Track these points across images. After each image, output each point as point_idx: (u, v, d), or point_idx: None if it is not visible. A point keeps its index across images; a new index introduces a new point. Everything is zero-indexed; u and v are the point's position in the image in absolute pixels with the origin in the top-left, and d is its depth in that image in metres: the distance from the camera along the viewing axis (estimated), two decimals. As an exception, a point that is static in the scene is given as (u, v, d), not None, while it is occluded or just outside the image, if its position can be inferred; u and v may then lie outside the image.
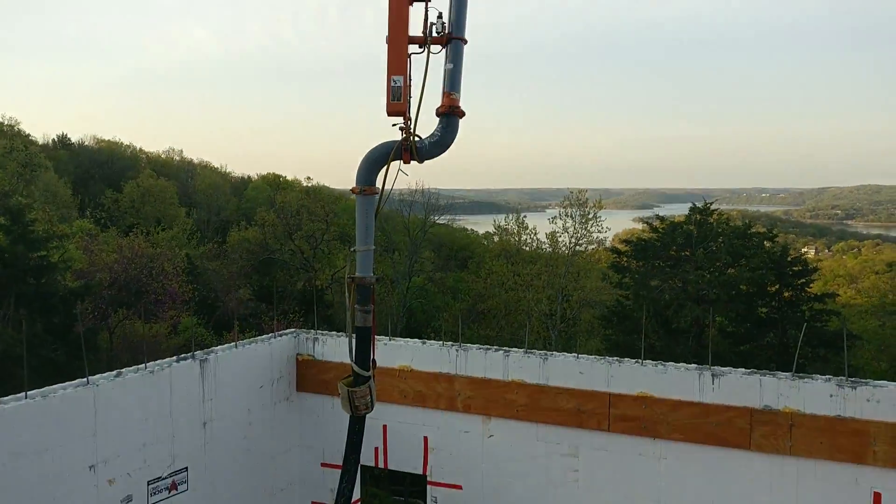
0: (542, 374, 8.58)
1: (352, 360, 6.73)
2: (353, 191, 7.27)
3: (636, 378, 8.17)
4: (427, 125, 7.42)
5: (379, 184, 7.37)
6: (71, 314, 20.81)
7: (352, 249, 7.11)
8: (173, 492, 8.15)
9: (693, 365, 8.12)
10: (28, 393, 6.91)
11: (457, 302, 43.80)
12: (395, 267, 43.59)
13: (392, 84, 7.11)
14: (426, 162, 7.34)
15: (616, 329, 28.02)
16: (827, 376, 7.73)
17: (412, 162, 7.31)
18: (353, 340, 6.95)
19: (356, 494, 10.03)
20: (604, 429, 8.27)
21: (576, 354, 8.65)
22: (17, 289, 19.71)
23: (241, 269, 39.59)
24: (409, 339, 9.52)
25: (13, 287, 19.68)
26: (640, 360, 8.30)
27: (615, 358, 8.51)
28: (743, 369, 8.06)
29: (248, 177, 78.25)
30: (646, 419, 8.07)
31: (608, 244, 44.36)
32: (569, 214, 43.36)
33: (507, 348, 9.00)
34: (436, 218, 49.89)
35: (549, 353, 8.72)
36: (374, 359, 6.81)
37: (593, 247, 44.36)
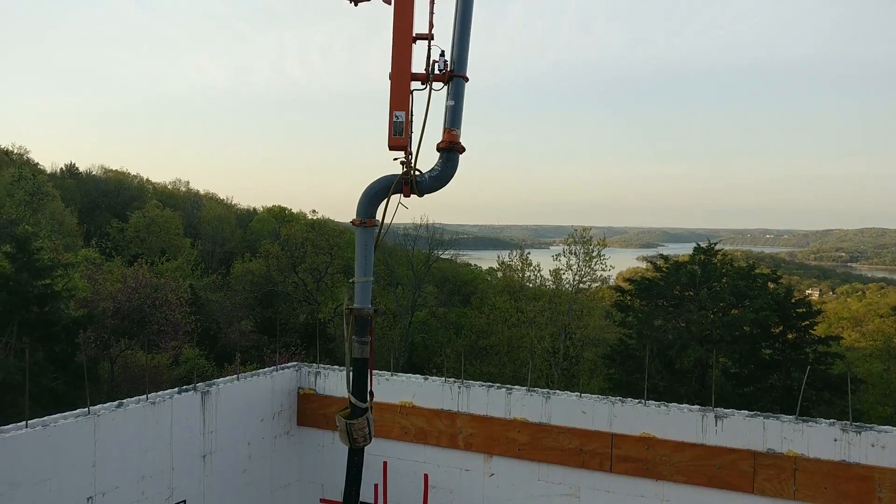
0: (545, 412, 8.53)
1: (349, 392, 6.71)
2: (353, 222, 7.31)
3: (639, 418, 8.12)
4: (428, 160, 7.49)
5: (379, 216, 7.41)
6: (73, 343, 20.78)
7: (351, 281, 7.14)
8: (171, 526, 8.08)
9: (696, 406, 8.08)
10: (29, 422, 6.89)
11: (459, 337, 43.70)
12: (398, 301, 43.58)
13: (394, 119, 7.19)
14: (427, 196, 7.39)
15: (619, 368, 27.88)
16: (831, 420, 7.68)
17: (412, 196, 7.36)
18: (351, 372, 6.94)
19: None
20: (606, 469, 8.20)
21: (579, 394, 8.62)
22: (21, 316, 19.73)
23: (244, 301, 39.62)
24: (410, 375, 9.49)
25: (16, 315, 19.70)
26: (643, 401, 8.26)
27: (618, 398, 8.46)
28: (746, 411, 8.01)
29: (254, 209, 78.60)
30: (648, 460, 8.01)
31: (612, 282, 44.31)
32: (572, 252, 43.47)
33: (509, 386, 8.96)
34: (439, 253, 50.04)
35: (551, 391, 8.68)
36: (371, 391, 6.79)
37: (597, 285, 44.34)
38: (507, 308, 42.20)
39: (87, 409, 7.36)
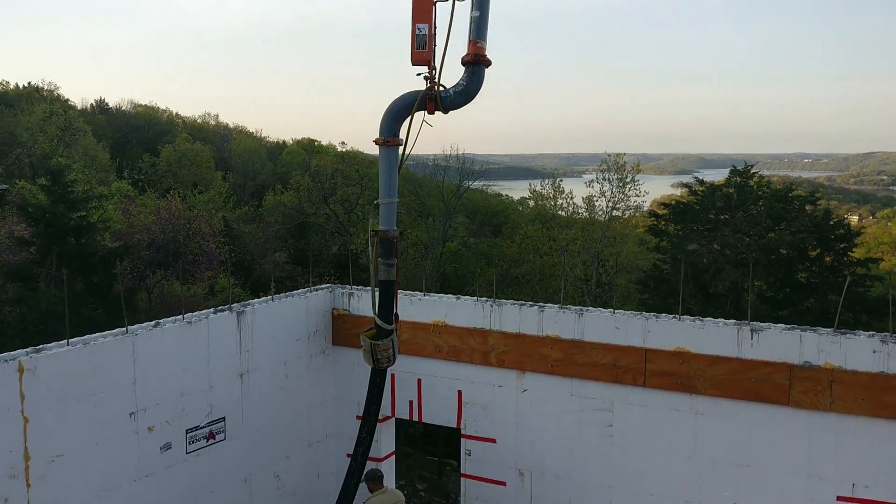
0: (578, 329, 8.52)
1: (374, 314, 6.72)
2: (376, 142, 7.20)
3: (673, 333, 8.08)
4: (453, 77, 7.33)
5: (403, 135, 7.30)
6: (110, 274, 21.10)
7: (375, 202, 7.07)
8: (211, 441, 8.27)
9: (732, 321, 8.00)
10: (70, 341, 7.03)
11: (491, 267, 43.71)
12: (429, 232, 43.58)
13: (417, 32, 7.01)
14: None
15: (652, 293, 27.72)
16: (870, 332, 7.57)
17: (437, 112, 7.22)
18: (377, 294, 6.93)
19: (391, 447, 10.14)
20: (639, 384, 8.20)
21: (612, 310, 8.58)
22: (59, 248, 20.03)
23: (277, 233, 39.82)
24: (442, 295, 9.52)
25: (54, 246, 20.00)
26: (677, 316, 8.20)
27: (652, 314, 8.41)
28: (783, 325, 7.93)
29: (283, 142, 78.48)
30: (682, 374, 7.99)
31: (646, 209, 43.85)
32: (606, 178, 42.94)
33: (541, 304, 8.95)
34: (470, 183, 49.70)
35: (584, 308, 8.65)
36: (396, 313, 6.79)
37: (630, 212, 43.89)
38: (539, 237, 41.97)
39: (125, 328, 7.48)
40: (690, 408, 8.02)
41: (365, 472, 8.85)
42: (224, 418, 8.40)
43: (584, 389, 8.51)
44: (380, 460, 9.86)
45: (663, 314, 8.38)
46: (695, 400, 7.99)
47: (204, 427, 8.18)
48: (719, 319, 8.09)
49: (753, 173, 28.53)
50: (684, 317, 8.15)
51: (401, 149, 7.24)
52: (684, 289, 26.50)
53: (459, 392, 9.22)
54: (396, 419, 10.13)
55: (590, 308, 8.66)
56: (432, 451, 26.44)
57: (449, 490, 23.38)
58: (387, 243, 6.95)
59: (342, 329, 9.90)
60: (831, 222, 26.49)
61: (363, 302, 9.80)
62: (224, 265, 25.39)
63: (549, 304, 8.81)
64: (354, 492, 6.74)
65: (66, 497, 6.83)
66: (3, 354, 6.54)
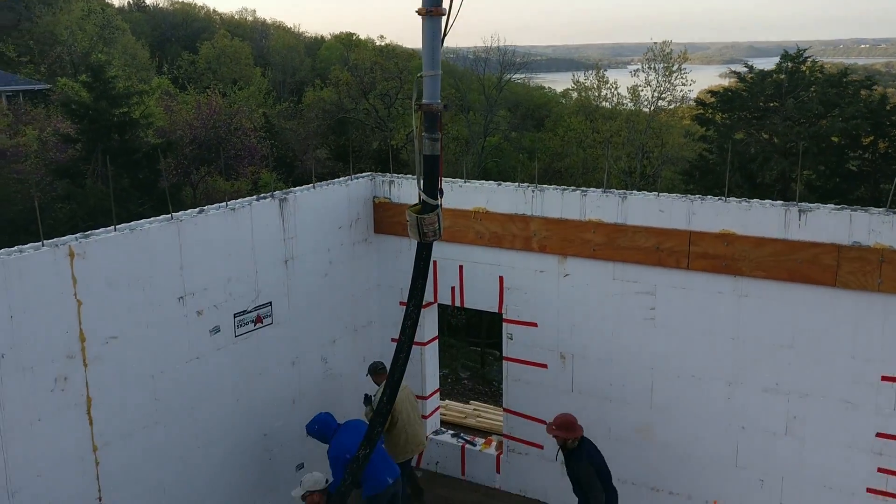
0: (620, 212, 8.42)
1: (420, 189, 6.67)
2: (418, 12, 6.97)
3: (719, 216, 7.93)
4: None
5: (446, 4, 7.04)
6: (155, 170, 21.38)
7: (419, 75, 6.91)
8: (258, 325, 8.48)
9: (779, 201, 7.82)
10: (117, 227, 7.16)
11: (532, 161, 43.30)
12: (470, 126, 43.06)
13: None
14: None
15: (697, 184, 27.27)
16: (924, 211, 7.35)
17: None
18: (421, 169, 6.86)
19: (434, 332, 10.30)
20: (683, 267, 8.14)
21: (656, 193, 8.44)
22: (103, 144, 20.28)
23: (317, 129, 39.70)
24: (483, 182, 9.43)
25: (99, 143, 20.26)
26: (723, 198, 8.04)
27: (697, 196, 8.25)
28: (832, 205, 7.73)
29: (321, 37, 77.34)
30: (727, 257, 7.89)
31: (692, 100, 42.66)
32: (652, 68, 41.74)
33: (584, 188, 8.83)
34: (511, 76, 48.65)
35: (627, 192, 8.52)
36: (441, 188, 6.72)
37: (676, 103, 42.79)
38: (582, 129, 41.31)
39: (170, 215, 7.58)
40: (734, 290, 7.95)
41: (369, 366, 9.13)
42: (270, 303, 8.58)
43: (626, 273, 8.47)
44: (423, 344, 10.06)
45: (709, 196, 8.22)
46: (739, 282, 7.92)
47: (251, 312, 8.37)
48: (766, 201, 7.91)
49: (806, 58, 27.44)
50: (730, 199, 7.99)
51: (444, 19, 7.01)
52: (730, 179, 26.00)
53: (501, 278, 9.27)
54: (439, 305, 10.27)
55: (633, 192, 8.53)
56: (475, 342, 26.90)
57: (491, 378, 23.88)
58: (430, 117, 6.81)
59: (384, 217, 9.93)
60: (888, 107, 25.48)
61: (404, 189, 9.79)
62: (266, 160, 25.50)
63: (591, 189, 8.70)
64: (404, 366, 6.87)
65: (122, 377, 7.10)
66: (54, 240, 6.69)
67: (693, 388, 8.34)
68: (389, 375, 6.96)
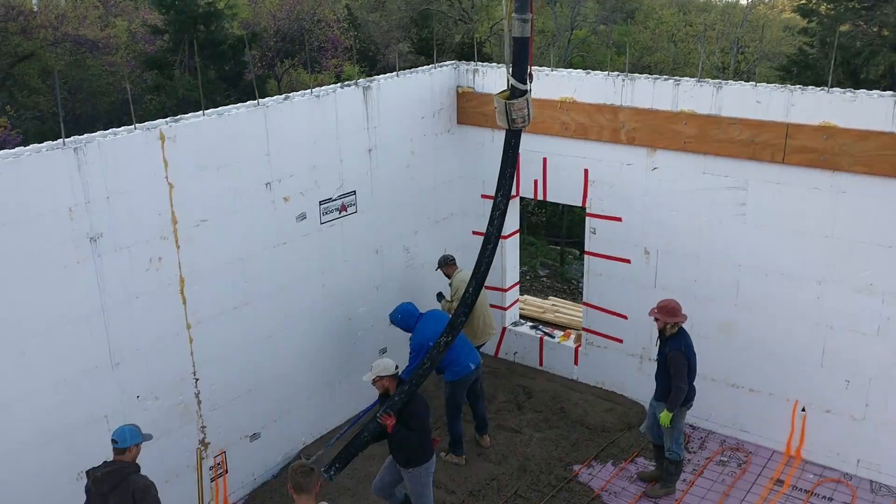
0: (714, 103, 8.06)
1: (508, 74, 6.49)
2: None
3: (819, 107, 7.52)
4: None
5: None
6: (240, 62, 21.51)
7: None
8: (343, 213, 8.58)
9: (888, 92, 7.34)
10: (205, 112, 7.25)
11: (621, 56, 41.80)
12: (556, 19, 41.64)
13: None
14: None
15: (795, 81, 25.80)
16: None
17: None
18: (511, 52, 6.66)
19: (515, 225, 10.26)
20: (778, 161, 7.80)
21: (753, 83, 8.03)
22: (190, 36, 20.43)
23: (400, 22, 38.99)
24: (571, 70, 9.14)
25: (186, 34, 20.42)
26: (825, 88, 7.59)
27: (797, 86, 7.82)
28: (948, 96, 7.21)
29: (405, -74, 75.09)
30: (826, 150, 7.51)
31: (794, -11, 40.09)
32: (751, -45, 39.23)
33: (677, 77, 8.47)
34: (601, -36, 46.48)
35: (723, 81, 8.13)
36: (531, 73, 6.52)
37: (776, -6, 40.33)
38: (674, 22, 39.51)
39: (256, 101, 7.62)
40: (832, 185, 7.60)
41: (439, 259, 9.25)
42: (355, 192, 8.65)
43: (717, 167, 8.18)
44: (504, 238, 10.03)
45: (810, 86, 7.77)
46: (837, 177, 7.55)
47: (336, 200, 8.46)
48: (873, 91, 7.44)
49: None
50: (833, 89, 7.54)
51: None
52: (832, 74, 24.57)
53: (586, 170, 9.08)
54: (521, 198, 10.18)
55: (729, 82, 8.13)
56: (554, 241, 26.80)
57: (570, 276, 23.86)
58: None
59: (467, 107, 9.78)
60: None
61: (488, 79, 9.58)
62: (349, 53, 25.31)
63: (685, 78, 8.33)
64: (492, 258, 6.88)
65: (212, 259, 7.33)
66: (146, 123, 6.83)
67: (781, 286, 8.13)
68: (476, 267, 6.98)
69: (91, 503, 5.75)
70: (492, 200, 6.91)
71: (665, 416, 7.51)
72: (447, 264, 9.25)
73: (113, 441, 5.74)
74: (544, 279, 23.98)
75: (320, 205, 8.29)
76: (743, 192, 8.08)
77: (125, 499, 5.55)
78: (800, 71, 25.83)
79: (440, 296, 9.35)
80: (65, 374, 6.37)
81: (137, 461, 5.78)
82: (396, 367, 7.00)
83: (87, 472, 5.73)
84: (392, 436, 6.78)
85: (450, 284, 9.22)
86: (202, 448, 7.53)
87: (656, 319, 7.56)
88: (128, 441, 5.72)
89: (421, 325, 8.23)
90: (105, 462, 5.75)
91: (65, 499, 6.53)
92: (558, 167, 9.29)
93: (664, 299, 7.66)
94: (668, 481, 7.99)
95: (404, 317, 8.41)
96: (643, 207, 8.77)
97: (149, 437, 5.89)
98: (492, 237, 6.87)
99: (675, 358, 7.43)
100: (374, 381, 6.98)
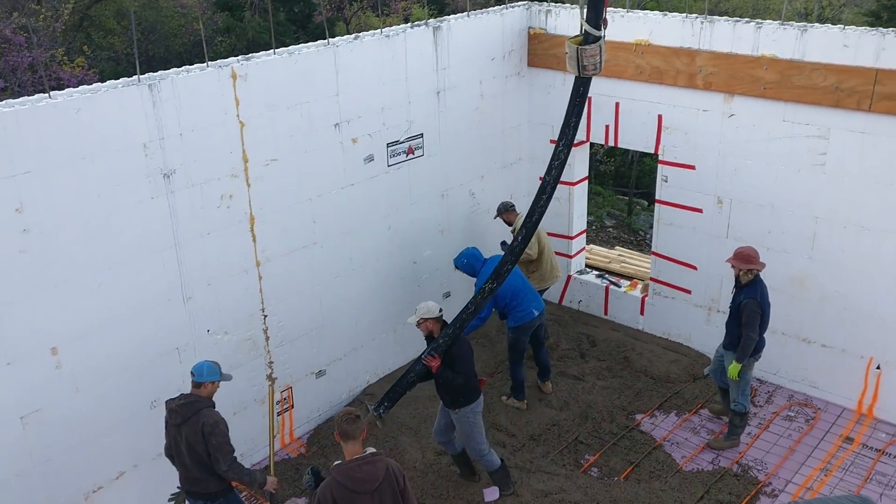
0: (798, 48, 7.71)
1: (582, 18, 6.29)
2: None
3: (913, 51, 7.12)
4: None
5: None
6: (309, 4, 21.47)
7: None
8: (410, 156, 8.55)
9: None
10: (276, 50, 7.25)
11: (698, 1, 40.37)
12: (631, -39, 40.34)
13: None
14: None
15: (886, 26, 24.69)
16: None
17: None
18: None
19: (584, 172, 10.10)
20: (864, 109, 7.44)
21: (841, 26, 7.64)
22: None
23: (470, -36, 38.25)
24: (647, 12, 8.84)
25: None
26: (920, 31, 7.18)
27: (890, 29, 7.41)
28: None
29: None
30: (918, 98, 7.13)
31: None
32: None
33: (759, 20, 8.11)
34: None
35: (807, 24, 7.75)
36: (605, 18, 6.31)
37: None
38: (755, -35, 37.85)
39: (326, 40, 7.58)
40: (922, 136, 7.24)
41: (499, 205, 9.07)
42: (422, 135, 8.60)
43: (798, 114, 7.86)
44: (573, 184, 9.89)
45: (903, 30, 7.36)
46: (928, 127, 7.18)
47: (403, 142, 8.43)
48: (974, 35, 7.01)
49: None
50: (930, 33, 7.13)
51: None
52: (924, 22, 23.32)
53: (659, 116, 8.84)
54: (591, 145, 9.99)
55: (815, 25, 7.75)
56: (622, 191, 26.37)
57: (637, 227, 23.50)
58: None
59: (538, 49, 9.57)
60: None
61: (561, 20, 9.34)
62: (418, -5, 25.05)
63: (767, 21, 7.98)
64: (546, 207, 6.78)
65: (282, 197, 7.40)
66: (218, 61, 6.87)
67: (861, 239, 7.83)
68: (528, 216, 6.87)
69: (168, 433, 5.98)
70: (560, 146, 6.77)
71: (734, 368, 7.39)
72: (507, 211, 9.08)
73: (191, 374, 5.91)
74: (610, 230, 23.67)
75: (388, 147, 8.27)
76: (824, 140, 7.76)
77: (195, 432, 5.72)
78: (890, 17, 24.58)
79: (504, 244, 9.27)
80: (139, 306, 6.56)
81: (214, 398, 5.94)
82: (440, 311, 6.98)
83: (166, 403, 5.93)
84: (437, 377, 6.85)
85: (512, 231, 9.14)
86: (271, 383, 7.71)
87: (732, 266, 7.40)
88: (204, 377, 5.85)
89: (485, 270, 8.19)
90: (182, 394, 5.94)
91: (140, 424, 6.80)
92: (631, 112, 9.06)
93: (741, 246, 7.47)
94: (732, 433, 7.89)
95: (470, 261, 8.40)
96: (718, 155, 8.51)
97: (228, 378, 6.00)
98: (547, 186, 6.70)
99: (749, 306, 7.26)
100: (419, 324, 6.99)
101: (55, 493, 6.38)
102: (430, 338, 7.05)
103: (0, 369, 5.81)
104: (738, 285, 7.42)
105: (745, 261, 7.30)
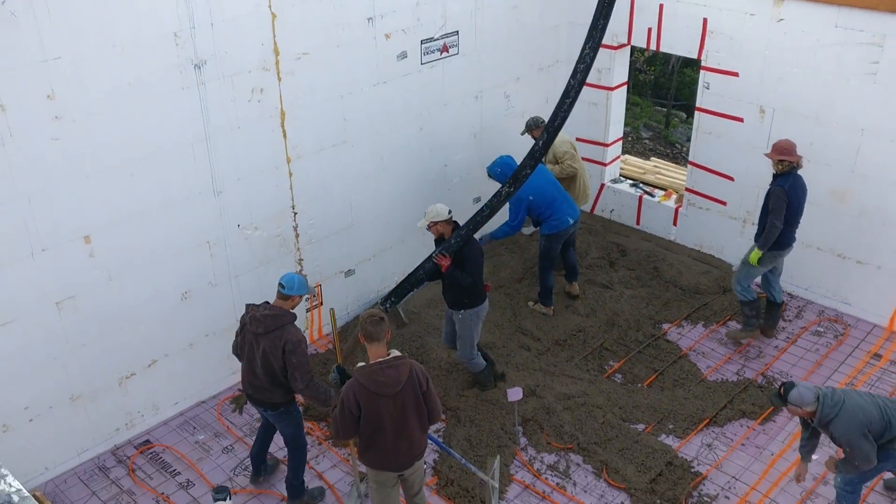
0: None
1: None
2: None
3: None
4: None
5: None
6: None
7: None
8: (444, 54, 8.35)
9: None
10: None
11: None
12: None
13: None
14: None
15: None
16: None
17: None
18: None
19: (623, 77, 9.82)
20: (924, 13, 7.08)
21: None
22: None
23: None
24: None
25: None
26: None
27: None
28: None
29: None
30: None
31: None
32: None
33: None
34: None
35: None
36: None
37: None
38: None
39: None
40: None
41: (528, 121, 8.67)
42: (457, 32, 8.36)
43: (851, 20, 7.50)
44: (611, 89, 9.64)
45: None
46: None
47: (438, 39, 8.21)
48: None
49: None
50: None
51: None
52: None
53: (704, 20, 8.49)
54: (632, 48, 9.68)
55: (877, -77, 7.31)
56: (661, 102, 25.77)
57: (675, 140, 23.04)
58: None
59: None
60: None
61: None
62: None
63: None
64: (568, 113, 6.57)
65: (313, 94, 7.29)
66: (249, -52, 6.66)
67: (907, 154, 7.59)
68: (550, 121, 6.71)
69: (243, 336, 5.81)
70: (601, 50, 6.54)
71: (755, 255, 7.38)
72: (537, 127, 8.55)
73: (280, 285, 5.73)
74: (647, 141, 23.23)
75: (421, 44, 8.07)
76: (878, 48, 7.43)
77: (276, 346, 5.60)
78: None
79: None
80: (170, 198, 6.58)
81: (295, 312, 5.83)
82: (450, 212, 6.90)
83: (247, 306, 5.83)
84: (445, 277, 6.83)
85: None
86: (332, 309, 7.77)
87: (769, 157, 7.34)
88: (294, 290, 5.73)
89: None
90: (266, 304, 5.81)
91: (171, 315, 6.93)
92: (675, 15, 8.72)
93: (783, 139, 7.38)
94: (748, 325, 7.91)
95: (503, 170, 8.14)
96: (763, 62, 8.20)
97: (311, 292, 5.84)
98: (571, 90, 6.48)
99: (775, 193, 7.18)
100: (429, 227, 6.92)
101: (90, 377, 6.57)
102: (440, 240, 7.01)
103: (35, 255, 5.91)
104: (773, 178, 7.33)
105: (778, 151, 7.20)
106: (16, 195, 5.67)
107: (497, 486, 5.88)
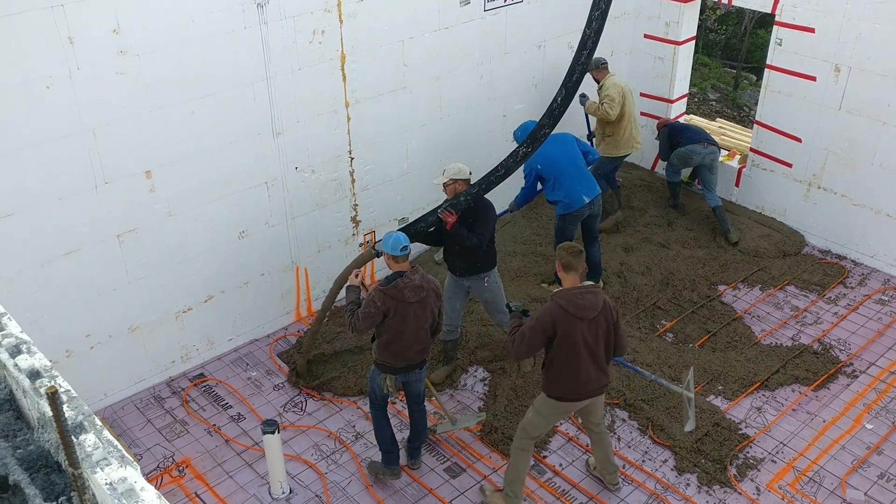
0: None
1: None
2: None
3: None
4: None
5: None
6: None
7: None
8: (508, 1, 8.19)
9: None
10: None
11: None
12: None
13: None
14: None
15: None
16: None
17: None
18: None
19: (691, 31, 9.52)
20: None
21: None
22: None
23: None
24: None
25: None
26: None
27: None
28: None
29: None
30: None
31: None
32: None
33: None
34: None
35: None
36: None
37: None
38: None
39: None
40: None
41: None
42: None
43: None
44: (678, 44, 9.36)
45: None
46: None
47: (502, -14, 8.05)
48: None
49: None
50: None
51: None
52: None
53: (781, -28, 8.17)
54: (703, 3, 9.36)
55: None
56: (730, 63, 25.00)
57: (742, 103, 22.40)
58: None
59: None
60: None
61: None
62: None
63: None
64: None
65: (374, 38, 7.24)
66: None
67: None
68: (568, 75, 6.04)
69: (401, 315, 5.53)
70: (669, 3, 6.21)
71: None
72: (598, 68, 8.46)
73: (400, 250, 5.57)
74: (713, 103, 22.63)
75: (485, -17, 7.92)
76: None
77: (429, 296, 5.59)
78: None
79: (584, 97, 8.75)
80: (230, 138, 6.65)
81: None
82: (470, 173, 6.56)
83: (382, 291, 5.48)
84: (449, 234, 6.39)
85: (599, 90, 8.67)
86: (354, 226, 7.82)
87: None
88: (407, 248, 5.60)
89: (545, 147, 6.75)
90: (397, 274, 5.57)
91: (228, 253, 7.06)
92: (750, -33, 8.40)
93: None
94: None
95: (524, 135, 7.36)
96: (842, 17, 7.86)
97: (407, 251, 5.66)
98: (588, 40, 5.83)
99: None
100: (446, 186, 6.55)
101: (148, 309, 6.75)
102: None
103: (99, 188, 6.05)
104: None
105: None
106: (82, 128, 5.79)
107: (693, 396, 6.01)
